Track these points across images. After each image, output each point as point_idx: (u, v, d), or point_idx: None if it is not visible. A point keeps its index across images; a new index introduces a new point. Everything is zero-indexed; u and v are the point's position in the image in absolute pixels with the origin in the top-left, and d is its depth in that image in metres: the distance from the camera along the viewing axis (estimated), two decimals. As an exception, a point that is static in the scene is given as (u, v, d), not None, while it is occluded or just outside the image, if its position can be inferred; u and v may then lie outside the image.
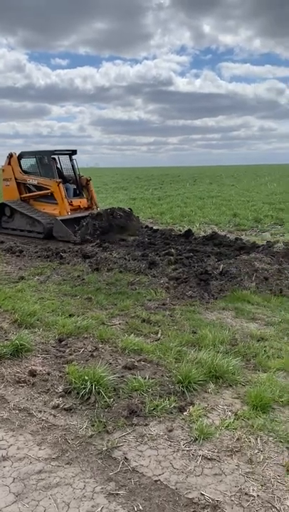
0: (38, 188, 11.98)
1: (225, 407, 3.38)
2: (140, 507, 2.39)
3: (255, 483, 2.57)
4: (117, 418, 3.21)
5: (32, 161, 12.29)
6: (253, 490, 2.51)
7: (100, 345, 4.51)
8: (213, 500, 2.43)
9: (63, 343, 4.57)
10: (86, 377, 3.57)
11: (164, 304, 6.00)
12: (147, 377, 3.76)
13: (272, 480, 2.60)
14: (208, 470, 2.68)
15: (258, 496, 2.47)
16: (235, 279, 6.81)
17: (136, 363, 4.10)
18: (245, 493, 2.48)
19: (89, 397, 3.44)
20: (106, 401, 3.38)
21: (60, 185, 11.19)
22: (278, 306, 5.85)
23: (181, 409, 3.33)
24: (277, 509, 2.38)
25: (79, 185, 12.24)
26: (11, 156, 12.47)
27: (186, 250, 8.90)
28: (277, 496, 2.47)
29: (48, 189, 11.51)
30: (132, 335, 4.75)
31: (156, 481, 2.59)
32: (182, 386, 3.61)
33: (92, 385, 3.49)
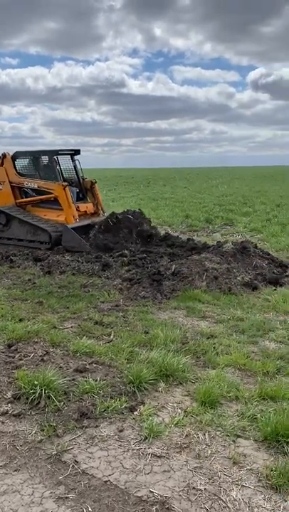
0: (38, 192, 10.62)
1: (175, 405, 3.45)
2: (89, 509, 2.39)
3: (203, 477, 2.64)
4: (67, 421, 3.19)
5: (29, 162, 11.00)
6: (201, 484, 2.58)
7: (51, 349, 4.46)
8: (161, 496, 2.47)
9: (13, 348, 4.47)
10: (36, 382, 3.52)
11: (117, 306, 6.01)
12: (99, 379, 3.76)
13: (219, 473, 2.68)
14: (157, 467, 2.72)
15: (205, 489, 2.54)
16: (186, 279, 6.93)
17: (87, 366, 4.09)
18: (193, 488, 2.54)
19: (39, 402, 3.39)
20: (56, 405, 3.35)
21: (67, 189, 9.91)
22: (227, 304, 6.02)
23: (132, 409, 3.36)
24: (223, 501, 2.45)
25: (82, 188, 11.00)
26: (4, 156, 10.98)
27: (139, 251, 8.95)
28: (224, 488, 2.55)
29: (51, 193, 10.18)
30: (84, 338, 4.73)
31: (106, 481, 2.60)
32: (133, 386, 3.64)
33: (42, 390, 3.44)
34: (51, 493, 2.50)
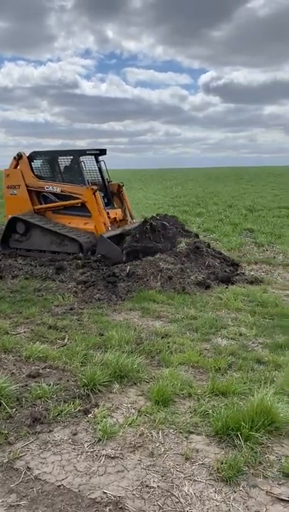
0: (61, 197, 9.35)
1: (129, 405, 3.47)
2: (42, 514, 2.37)
3: (156, 474, 2.68)
4: (19, 428, 3.13)
5: (49, 163, 9.70)
6: (154, 481, 2.61)
7: (3, 356, 4.36)
8: (115, 496, 2.48)
9: None
10: (-14, 390, 3.43)
11: (71, 309, 5.97)
12: (52, 383, 3.73)
13: (172, 469, 2.73)
14: (111, 468, 2.73)
15: (158, 486, 2.58)
16: (141, 280, 6.99)
17: (41, 371, 4.04)
18: (146, 486, 2.58)
19: (-11, 410, 3.31)
20: (8, 412, 3.29)
21: (97, 193, 8.71)
22: (181, 303, 6.12)
23: (86, 412, 3.36)
24: (175, 496, 2.50)
25: (108, 192, 9.82)
26: (19, 156, 9.62)
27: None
28: (176, 484, 2.60)
29: (78, 198, 8.94)
30: (38, 342, 4.66)
31: (59, 486, 2.58)
32: (87, 389, 3.64)
33: (-8, 397, 3.37)
34: (2, 501, 2.45)
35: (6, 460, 2.80)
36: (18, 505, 2.43)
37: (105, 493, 2.51)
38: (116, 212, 9.58)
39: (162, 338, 4.89)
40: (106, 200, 9.54)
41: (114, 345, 4.53)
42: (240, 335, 5.00)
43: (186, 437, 3.06)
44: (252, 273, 7.81)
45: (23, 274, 7.69)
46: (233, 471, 2.65)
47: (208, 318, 5.47)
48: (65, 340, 4.80)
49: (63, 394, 3.59)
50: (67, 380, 3.85)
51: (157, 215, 9.42)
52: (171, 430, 3.14)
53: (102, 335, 4.91)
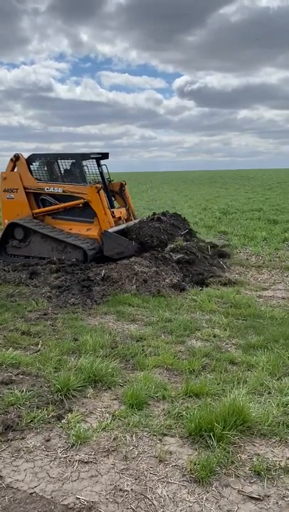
0: (63, 199, 9.04)
1: (103, 410, 3.46)
2: (14, 523, 2.34)
3: (130, 478, 2.68)
4: (-9, 436, 3.08)
5: (49, 166, 9.48)
6: (127, 485, 2.61)
7: (-25, 363, 4.28)
8: (88, 502, 2.47)
9: None
10: None
11: (45, 314, 5.91)
12: (25, 390, 3.68)
13: (146, 472, 2.73)
14: (84, 473, 2.72)
15: (131, 489, 2.58)
16: (116, 284, 6.99)
17: (13, 377, 3.98)
18: (120, 489, 2.57)
19: None
20: (-21, 420, 3.23)
21: (102, 192, 8.50)
22: (156, 306, 6.14)
23: (60, 418, 3.33)
24: (149, 499, 2.51)
25: (110, 195, 9.72)
26: (17, 158, 9.31)
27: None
28: (150, 487, 2.61)
29: (81, 198, 8.67)
30: (11, 349, 4.60)
31: (31, 493, 2.55)
32: (61, 394, 3.61)
33: None
34: (-27, 512, 2.41)
35: (-23, 469, 2.75)
36: (-11, 514, 2.39)
37: (78, 498, 2.50)
38: (120, 212, 9.47)
39: (137, 341, 4.90)
40: (108, 204, 9.28)
41: (88, 349, 4.51)
42: (214, 336, 5.06)
43: (160, 440, 3.07)
44: (226, 275, 7.91)
45: (-4, 279, 7.58)
46: (206, 471, 2.67)
47: (183, 320, 5.50)
48: (39, 346, 4.75)
49: (36, 400, 3.55)
50: (41, 386, 3.81)
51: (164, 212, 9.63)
52: (144, 433, 3.14)
53: (77, 340, 4.89)
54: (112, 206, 9.61)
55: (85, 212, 8.78)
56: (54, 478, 2.68)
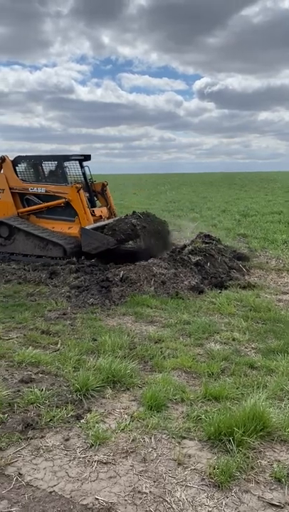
0: (46, 198, 9.50)
1: (122, 411, 3.46)
2: (34, 521, 2.35)
3: (148, 480, 2.67)
4: (11, 434, 3.11)
5: (33, 167, 9.94)
6: (146, 487, 2.61)
7: (-5, 361, 4.34)
8: (107, 502, 2.47)
9: None
10: (-22, 395, 3.41)
11: (64, 314, 5.95)
12: (44, 389, 3.71)
13: (164, 475, 2.72)
14: (103, 474, 2.72)
15: (150, 492, 2.57)
16: (135, 285, 6.99)
17: (33, 376, 4.02)
18: (139, 491, 2.57)
19: (-19, 416, 3.29)
20: (0, 417, 3.27)
21: (81, 191, 8.97)
22: (175, 308, 6.12)
23: (79, 417, 3.34)
24: (167, 502, 2.50)
25: (92, 195, 10.13)
26: (3, 160, 9.78)
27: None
28: (168, 490, 2.59)
29: (63, 198, 9.17)
30: (30, 347, 4.64)
31: (51, 492, 2.57)
32: (80, 394, 3.63)
33: (-16, 403, 3.35)
34: (-7, 508, 2.44)
35: (-2, 466, 2.78)
36: (9, 511, 2.41)
37: (97, 499, 2.50)
38: (101, 211, 9.90)
39: (155, 343, 4.89)
40: (90, 204, 9.71)
41: (107, 350, 4.52)
42: (233, 340, 5.01)
43: (179, 442, 3.05)
44: (245, 278, 7.84)
45: (16, 278, 7.68)
46: (226, 476, 2.65)
47: (202, 323, 5.47)
48: (58, 346, 4.78)
49: (56, 399, 3.58)
50: (60, 386, 3.83)
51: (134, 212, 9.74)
52: (163, 435, 3.13)
53: (96, 340, 4.90)
54: (94, 205, 10.02)
55: (66, 211, 9.28)
56: (73, 477, 2.69)
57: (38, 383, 3.86)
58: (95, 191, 10.30)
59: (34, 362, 4.28)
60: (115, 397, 3.69)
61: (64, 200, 9.17)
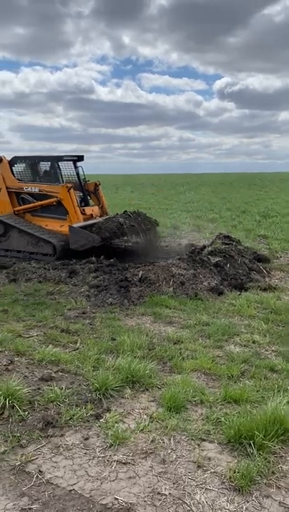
0: (39, 197, 10.01)
1: (141, 411, 3.46)
2: (54, 519, 2.37)
3: (168, 481, 2.66)
4: (32, 431, 3.14)
5: (29, 167, 10.44)
6: (165, 489, 2.60)
7: (16, 359, 4.39)
8: (126, 503, 2.47)
9: (-24, 358, 4.38)
10: (0, 392, 3.45)
11: (84, 313, 5.99)
12: (64, 387, 3.74)
13: (184, 477, 2.71)
14: (122, 474, 2.73)
15: (169, 493, 2.56)
16: (153, 285, 6.98)
17: (53, 374, 4.05)
18: (158, 493, 2.56)
19: (2, 412, 3.33)
20: (20, 415, 3.30)
21: (72, 190, 9.43)
22: (194, 309, 6.09)
23: (98, 417, 3.35)
24: (187, 504, 2.48)
25: (85, 192, 10.64)
26: (0, 160, 10.39)
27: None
28: (188, 492, 2.58)
29: (54, 197, 9.63)
30: (50, 346, 4.68)
31: (70, 490, 2.58)
32: (99, 393, 3.64)
33: (5, 400, 3.38)
34: (14, 504, 2.46)
35: (18, 463, 2.81)
36: (29, 508, 2.43)
37: (117, 499, 2.50)
38: (92, 209, 10.35)
39: (174, 344, 4.87)
40: (83, 204, 10.34)
41: (126, 350, 4.53)
42: (254, 342, 4.96)
43: (198, 445, 3.03)
44: (266, 280, 7.75)
45: (37, 277, 7.76)
46: (246, 480, 2.62)
47: (221, 324, 5.42)
48: (78, 344, 4.81)
49: (75, 398, 3.60)
50: (80, 384, 3.85)
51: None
52: (183, 437, 3.12)
53: (114, 339, 4.91)
54: (87, 204, 10.51)
55: (58, 209, 9.73)
56: (92, 476, 2.70)
57: (57, 381, 3.89)
58: (88, 191, 10.73)
59: (54, 360, 4.31)
60: (134, 397, 3.69)
61: (56, 199, 9.64)
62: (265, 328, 5.39)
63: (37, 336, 5.08)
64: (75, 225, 9.04)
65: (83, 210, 9.91)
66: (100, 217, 10.26)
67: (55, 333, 5.14)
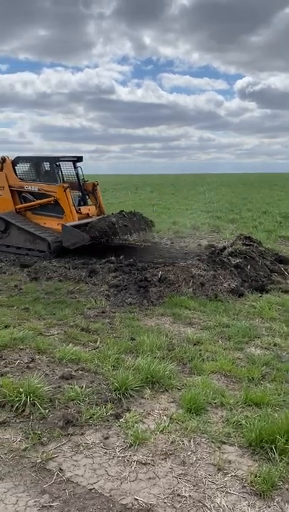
0: (39, 196, 10.45)
1: (160, 412, 3.45)
2: (74, 517, 2.38)
3: (188, 484, 2.65)
4: (52, 429, 3.17)
5: (31, 167, 10.88)
6: (185, 491, 2.58)
7: (37, 356, 4.43)
8: (146, 504, 2.47)
9: (-2, 355, 4.44)
10: (21, 390, 3.49)
11: (103, 312, 6.01)
12: (84, 386, 3.75)
13: (204, 480, 2.69)
14: (142, 475, 2.72)
15: (189, 496, 2.54)
16: (173, 286, 6.96)
17: (73, 373, 4.08)
18: (178, 495, 2.55)
19: (24, 410, 3.37)
20: (41, 412, 3.33)
21: (68, 190, 9.83)
22: (214, 311, 6.05)
23: (118, 416, 3.36)
24: (208, 508, 2.46)
25: (83, 192, 11.01)
26: (3, 160, 10.80)
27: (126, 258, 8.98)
28: (208, 495, 2.56)
29: (52, 196, 10.05)
30: (71, 344, 4.72)
31: (90, 489, 2.59)
32: (119, 393, 3.64)
33: (26, 397, 3.42)
34: (35, 501, 2.48)
35: (39, 460, 2.83)
36: (50, 506, 2.45)
37: (136, 499, 2.50)
38: (89, 209, 10.67)
39: (194, 345, 4.85)
40: (82, 203, 10.74)
41: (145, 350, 4.52)
42: (275, 345, 4.89)
43: (219, 447, 3.01)
44: (287, 281, 7.64)
45: (57, 276, 7.83)
46: (268, 485, 2.58)
47: (242, 326, 5.37)
48: (97, 343, 4.83)
49: (95, 397, 3.61)
50: (99, 384, 3.87)
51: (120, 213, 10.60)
52: (203, 439, 3.10)
53: (134, 339, 4.92)
54: (85, 204, 10.87)
55: (56, 208, 10.08)
56: (112, 476, 2.70)
57: (78, 380, 3.91)
58: (87, 190, 11.07)
59: (74, 359, 4.34)
60: (154, 397, 3.68)
61: (53, 198, 10.02)
62: (287, 330, 5.32)
63: (57, 334, 5.12)
64: (67, 224, 9.39)
65: (79, 209, 10.29)
66: (98, 216, 10.56)
67: (75, 331, 5.17)
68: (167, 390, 3.80)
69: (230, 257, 7.93)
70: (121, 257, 8.85)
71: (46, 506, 2.45)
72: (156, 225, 12.51)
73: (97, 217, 10.16)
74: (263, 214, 17.51)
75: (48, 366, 4.22)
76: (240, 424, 3.24)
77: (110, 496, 2.53)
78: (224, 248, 8.59)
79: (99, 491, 2.57)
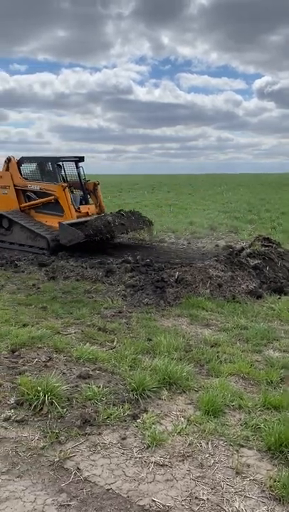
0: (41, 195, 10.86)
1: (178, 413, 3.43)
2: (92, 517, 2.38)
3: (206, 486, 2.63)
4: (70, 428, 3.18)
5: (34, 167, 11.29)
6: (203, 494, 2.56)
7: (55, 355, 4.46)
8: (164, 506, 2.45)
9: (16, 353, 4.48)
10: (39, 388, 3.51)
11: (120, 312, 6.01)
12: (101, 385, 3.76)
13: (222, 483, 2.66)
14: (160, 476, 2.71)
15: (207, 499, 2.52)
16: (190, 286, 6.92)
17: (91, 372, 4.09)
18: (196, 497, 2.53)
19: (42, 408, 3.39)
20: (59, 411, 3.35)
21: (66, 189, 10.18)
22: (231, 312, 5.99)
23: (135, 417, 3.35)
24: (226, 511, 2.43)
25: (85, 192, 11.32)
26: (9, 160, 11.30)
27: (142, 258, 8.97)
28: (227, 499, 2.53)
29: (52, 195, 10.42)
30: (88, 344, 4.74)
31: (108, 489, 2.59)
32: (136, 394, 3.64)
33: (44, 396, 3.44)
34: (53, 500, 2.49)
35: (57, 459, 2.84)
36: (68, 505, 2.46)
37: (154, 501, 2.49)
38: (88, 208, 10.97)
39: (212, 346, 4.81)
40: (84, 202, 11.07)
41: (162, 351, 4.51)
42: (294, 348, 4.83)
43: (237, 450, 2.97)
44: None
45: (75, 275, 7.87)
46: (287, 490, 2.54)
47: (260, 328, 5.31)
48: (114, 343, 4.83)
49: (112, 397, 3.61)
50: (117, 384, 3.87)
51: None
52: (221, 442, 3.07)
53: (151, 340, 4.90)
54: (87, 203, 11.19)
55: (56, 207, 10.43)
56: (130, 477, 2.69)
57: (95, 380, 3.92)
58: (88, 190, 11.40)
59: (91, 358, 4.35)
60: (171, 399, 3.66)
61: (53, 197, 10.38)
62: (306, 333, 5.24)
63: (75, 333, 5.14)
64: (64, 222, 9.65)
65: (78, 208, 10.59)
66: (97, 215, 10.81)
67: (93, 331, 5.19)
68: (184, 392, 3.78)
69: (248, 258, 7.86)
70: (138, 257, 8.85)
71: (64, 505, 2.45)
72: (170, 226, 12.55)
73: (96, 216, 10.48)
74: (281, 215, 17.32)
75: (65, 365, 4.24)
76: (259, 427, 3.20)
77: (128, 496, 2.53)
78: (242, 249, 8.52)
79: (116, 491, 2.57)
